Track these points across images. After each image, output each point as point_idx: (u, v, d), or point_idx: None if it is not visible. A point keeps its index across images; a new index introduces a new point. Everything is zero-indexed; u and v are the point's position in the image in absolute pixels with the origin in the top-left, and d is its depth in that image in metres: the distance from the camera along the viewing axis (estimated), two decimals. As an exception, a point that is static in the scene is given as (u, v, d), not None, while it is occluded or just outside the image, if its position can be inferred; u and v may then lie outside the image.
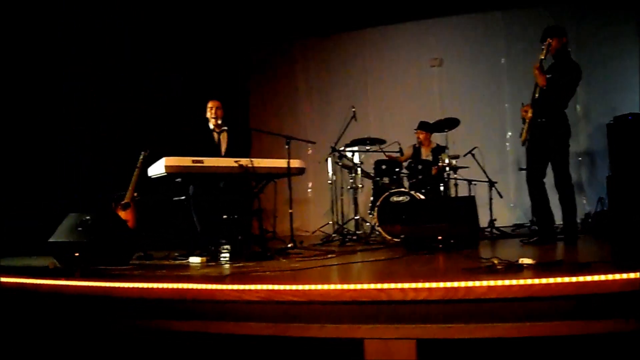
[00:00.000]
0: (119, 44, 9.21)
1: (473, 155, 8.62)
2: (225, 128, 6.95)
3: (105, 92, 9.06)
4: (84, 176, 8.54)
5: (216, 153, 6.76)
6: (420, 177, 8.25)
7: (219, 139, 6.93)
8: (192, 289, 3.65)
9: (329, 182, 9.06)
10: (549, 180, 6.30)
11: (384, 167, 8.45)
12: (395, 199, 7.93)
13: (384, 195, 7.98)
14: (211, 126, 6.94)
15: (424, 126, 8.99)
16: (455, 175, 8.57)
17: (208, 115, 6.94)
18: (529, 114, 6.22)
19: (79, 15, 8.66)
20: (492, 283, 3.13)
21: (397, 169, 8.44)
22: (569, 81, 6.14)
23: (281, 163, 6.44)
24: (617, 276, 3.01)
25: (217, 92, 8.95)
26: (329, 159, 8.98)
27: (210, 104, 6.96)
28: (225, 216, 6.39)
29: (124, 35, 9.26)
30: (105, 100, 9.04)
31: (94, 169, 8.54)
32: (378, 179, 8.44)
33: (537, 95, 6.19)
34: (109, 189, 7.57)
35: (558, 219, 6.41)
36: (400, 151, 8.73)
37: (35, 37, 8.32)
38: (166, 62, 9.76)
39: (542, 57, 6.09)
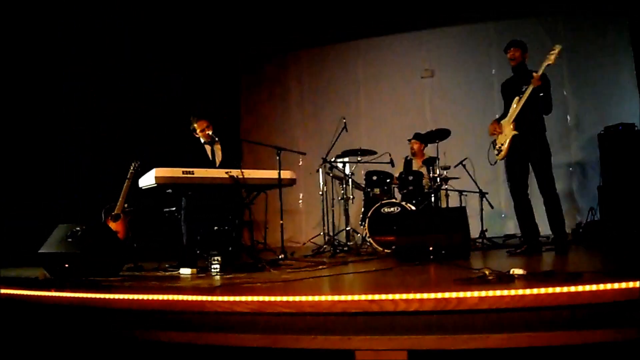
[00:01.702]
0: (119, 44, 9.25)
1: (464, 166, 8.63)
2: (217, 139, 6.90)
3: (105, 92, 9.09)
4: (84, 177, 8.52)
5: (211, 166, 6.71)
6: (411, 188, 8.24)
7: (212, 151, 6.89)
8: (182, 300, 3.63)
9: (320, 193, 9.05)
10: (533, 192, 6.34)
11: (374, 178, 8.45)
12: (386, 210, 7.92)
13: (375, 206, 7.98)
14: (202, 140, 6.89)
15: (419, 136, 9.02)
16: (446, 186, 8.58)
17: (200, 136, 6.83)
18: (509, 129, 6.26)
19: (79, 15, 8.69)
20: (483, 294, 3.11)
21: (387, 180, 8.44)
22: (549, 91, 6.20)
23: (272, 174, 6.43)
24: (610, 286, 3.01)
25: (207, 102, 8.98)
26: (320, 170, 8.97)
27: (196, 126, 6.78)
28: (216, 227, 6.36)
29: (124, 35, 9.29)
30: (105, 100, 9.07)
31: (94, 169, 8.52)
32: (369, 190, 8.44)
33: (518, 108, 6.21)
34: (109, 189, 7.58)
35: (544, 230, 6.43)
36: (391, 162, 8.72)
37: (35, 37, 8.33)
38: (165, 63, 9.83)
39: (551, 63, 6.06)
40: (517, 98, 6.29)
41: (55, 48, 8.57)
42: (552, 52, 6.04)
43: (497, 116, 6.76)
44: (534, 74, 6.06)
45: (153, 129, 9.24)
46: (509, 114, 6.38)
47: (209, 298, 3.57)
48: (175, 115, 9.18)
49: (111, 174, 7.89)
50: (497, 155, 6.49)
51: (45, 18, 8.38)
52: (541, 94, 6.11)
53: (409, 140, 9.20)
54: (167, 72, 9.88)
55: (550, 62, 6.05)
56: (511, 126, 6.30)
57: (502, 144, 6.39)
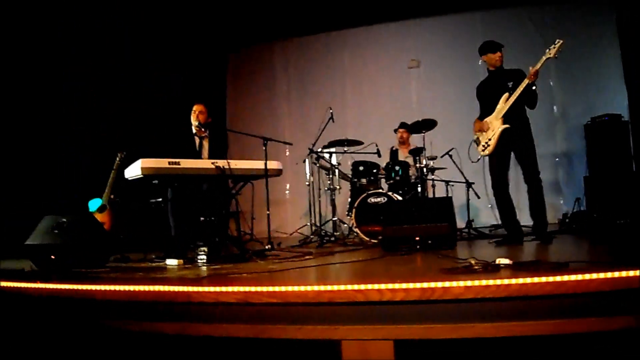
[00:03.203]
0: (119, 44, 9.22)
1: (450, 156, 8.64)
2: (206, 134, 6.87)
3: (105, 92, 9.06)
4: (84, 176, 8.47)
5: (197, 158, 6.69)
6: (397, 178, 8.24)
7: (200, 144, 6.86)
8: (168, 291, 3.62)
9: (307, 183, 9.05)
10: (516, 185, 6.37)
11: (361, 168, 8.45)
12: (372, 200, 7.93)
13: (361, 197, 7.98)
14: (193, 130, 6.86)
15: (406, 125, 9.03)
16: (432, 176, 8.59)
17: (192, 118, 6.86)
18: (498, 123, 6.27)
19: (79, 15, 8.65)
20: (469, 283, 3.12)
21: (374, 170, 8.44)
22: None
23: (258, 164, 6.40)
24: (595, 275, 3.02)
25: (194, 93, 8.94)
26: (307, 161, 8.96)
27: (194, 107, 6.87)
28: (202, 218, 6.35)
29: (124, 35, 9.26)
30: (105, 100, 9.04)
31: (94, 169, 8.48)
32: (356, 180, 8.44)
33: (509, 104, 6.20)
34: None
35: (526, 219, 6.47)
36: (378, 152, 8.72)
37: (35, 37, 8.29)
38: (164, 62, 9.84)
39: (551, 57, 6.00)
40: (506, 94, 6.28)
41: (55, 48, 8.53)
42: (553, 46, 5.96)
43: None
44: (532, 69, 6.01)
45: (153, 128, 9.20)
46: (497, 110, 6.34)
47: (195, 289, 3.56)
48: (171, 112, 9.17)
49: (109, 174, 7.86)
50: (484, 150, 6.44)
51: (45, 18, 8.34)
52: (533, 88, 6.11)
53: (396, 130, 9.21)
54: (166, 70, 9.92)
55: (550, 57, 5.99)
56: (500, 121, 6.28)
57: (490, 139, 6.37)
